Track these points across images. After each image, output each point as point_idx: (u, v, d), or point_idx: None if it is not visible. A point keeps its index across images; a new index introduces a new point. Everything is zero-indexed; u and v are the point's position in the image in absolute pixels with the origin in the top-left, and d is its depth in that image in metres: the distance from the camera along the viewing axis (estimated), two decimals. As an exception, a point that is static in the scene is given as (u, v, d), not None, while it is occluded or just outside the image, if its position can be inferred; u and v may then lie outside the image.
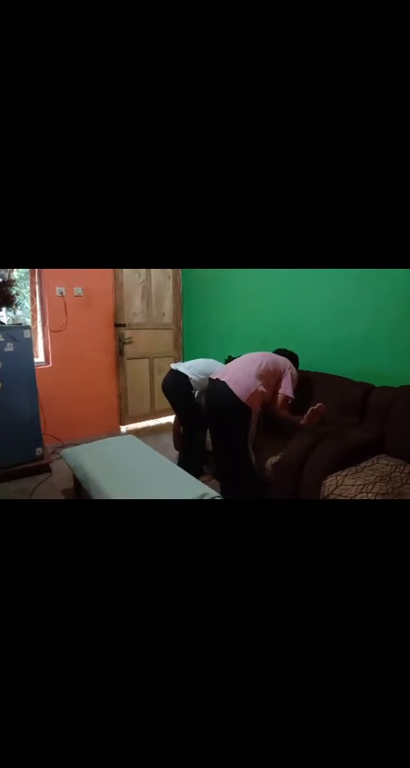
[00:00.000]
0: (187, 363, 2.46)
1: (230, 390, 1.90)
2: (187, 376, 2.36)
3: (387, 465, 1.73)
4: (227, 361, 2.54)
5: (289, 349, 2.29)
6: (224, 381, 1.94)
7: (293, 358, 2.24)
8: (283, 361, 2.07)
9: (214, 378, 2.04)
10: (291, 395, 2.00)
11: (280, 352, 2.25)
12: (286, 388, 2.00)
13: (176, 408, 2.55)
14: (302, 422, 1.94)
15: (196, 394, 2.38)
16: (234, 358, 2.51)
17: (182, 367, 2.42)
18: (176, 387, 2.41)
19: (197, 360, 2.49)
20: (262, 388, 1.93)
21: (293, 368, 2.06)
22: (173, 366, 2.47)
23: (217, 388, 1.99)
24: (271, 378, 1.99)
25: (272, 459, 1.92)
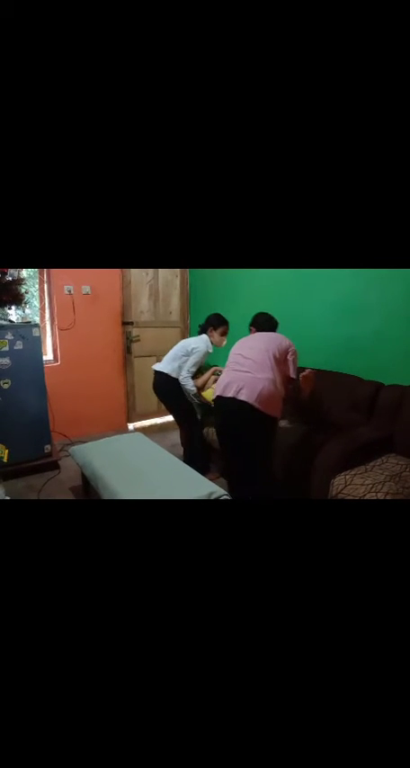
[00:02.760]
0: (163, 359, 2.45)
1: (256, 408, 1.61)
2: (166, 373, 2.36)
3: (397, 464, 1.71)
4: (199, 333, 2.45)
5: (281, 331, 2.05)
6: (244, 400, 1.62)
7: (275, 325, 2.05)
8: (284, 342, 1.81)
9: (228, 396, 1.66)
10: (295, 376, 1.80)
11: (261, 322, 2.02)
12: (292, 371, 1.79)
13: (168, 408, 2.54)
14: (303, 390, 1.80)
15: (181, 380, 2.34)
16: (202, 326, 2.43)
17: (159, 366, 2.43)
18: (160, 386, 2.43)
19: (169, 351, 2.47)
20: (281, 388, 1.71)
21: (293, 345, 1.84)
22: (153, 368, 2.47)
23: (234, 407, 1.64)
24: (282, 368, 1.75)
25: (280, 459, 1.91)
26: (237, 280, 3.10)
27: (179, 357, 2.35)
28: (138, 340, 3.38)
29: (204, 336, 2.41)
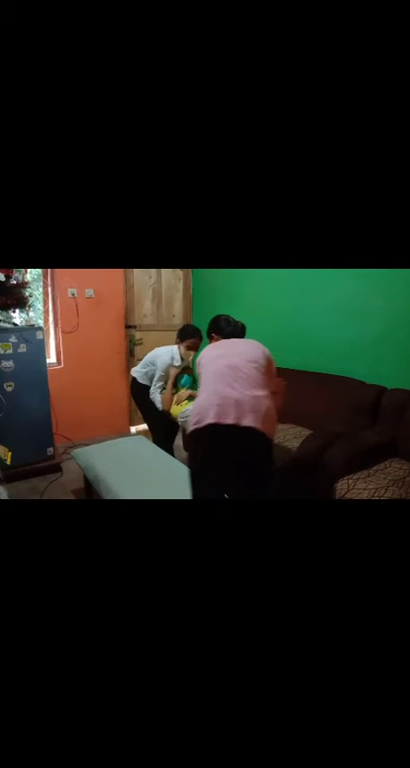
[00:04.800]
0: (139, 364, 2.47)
1: (263, 434, 1.31)
2: (134, 377, 2.39)
3: (401, 469, 1.70)
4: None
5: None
6: (250, 426, 1.29)
7: (245, 330, 1.73)
8: (265, 350, 1.53)
9: (228, 423, 1.30)
10: (274, 388, 1.52)
11: (228, 328, 1.66)
12: (272, 383, 1.51)
13: (140, 413, 2.55)
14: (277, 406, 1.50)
15: (150, 394, 2.31)
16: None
17: (133, 370, 2.46)
18: (131, 390, 2.47)
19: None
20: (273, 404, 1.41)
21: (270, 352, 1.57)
22: (131, 371, 2.51)
23: (238, 436, 1.30)
24: (268, 380, 1.46)
25: (283, 463, 1.90)
26: (240, 283, 3.11)
27: (147, 365, 2.37)
28: (141, 343, 3.38)
29: (173, 348, 2.35)
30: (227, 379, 1.38)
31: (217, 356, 1.50)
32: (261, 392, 1.36)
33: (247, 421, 1.29)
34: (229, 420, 1.30)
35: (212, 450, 1.35)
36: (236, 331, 1.67)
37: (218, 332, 1.70)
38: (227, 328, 1.68)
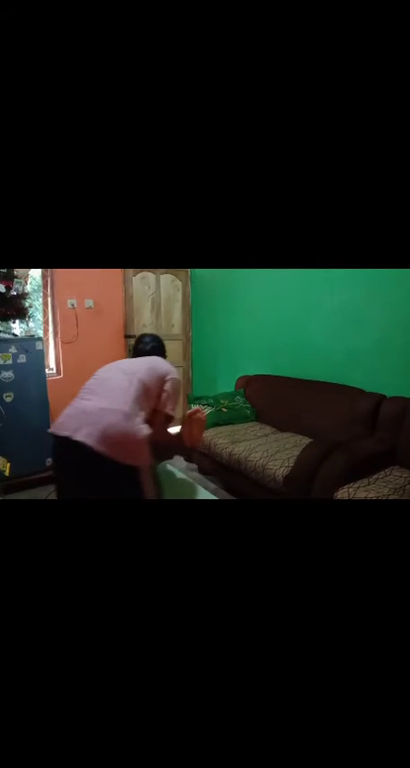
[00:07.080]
0: None
1: (99, 454, 1.08)
2: None
3: (401, 477, 1.69)
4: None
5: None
6: (81, 441, 1.09)
7: (158, 349, 1.60)
8: (160, 366, 1.42)
9: (62, 435, 1.13)
10: (173, 412, 1.40)
11: (139, 346, 1.60)
12: (166, 404, 1.37)
13: None
14: (186, 442, 1.45)
15: None
16: None
17: None
18: None
19: None
20: (143, 426, 1.20)
21: (175, 372, 1.44)
22: None
23: (70, 452, 1.12)
24: (151, 399, 1.32)
25: (283, 472, 1.89)
26: (238, 292, 3.13)
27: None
28: (141, 353, 3.40)
29: None
30: (87, 392, 1.27)
31: (100, 370, 1.40)
32: (115, 406, 1.18)
33: (81, 435, 1.10)
34: (65, 432, 1.13)
35: (55, 463, 1.27)
36: (144, 349, 1.61)
37: (134, 350, 1.68)
38: (137, 347, 1.65)
